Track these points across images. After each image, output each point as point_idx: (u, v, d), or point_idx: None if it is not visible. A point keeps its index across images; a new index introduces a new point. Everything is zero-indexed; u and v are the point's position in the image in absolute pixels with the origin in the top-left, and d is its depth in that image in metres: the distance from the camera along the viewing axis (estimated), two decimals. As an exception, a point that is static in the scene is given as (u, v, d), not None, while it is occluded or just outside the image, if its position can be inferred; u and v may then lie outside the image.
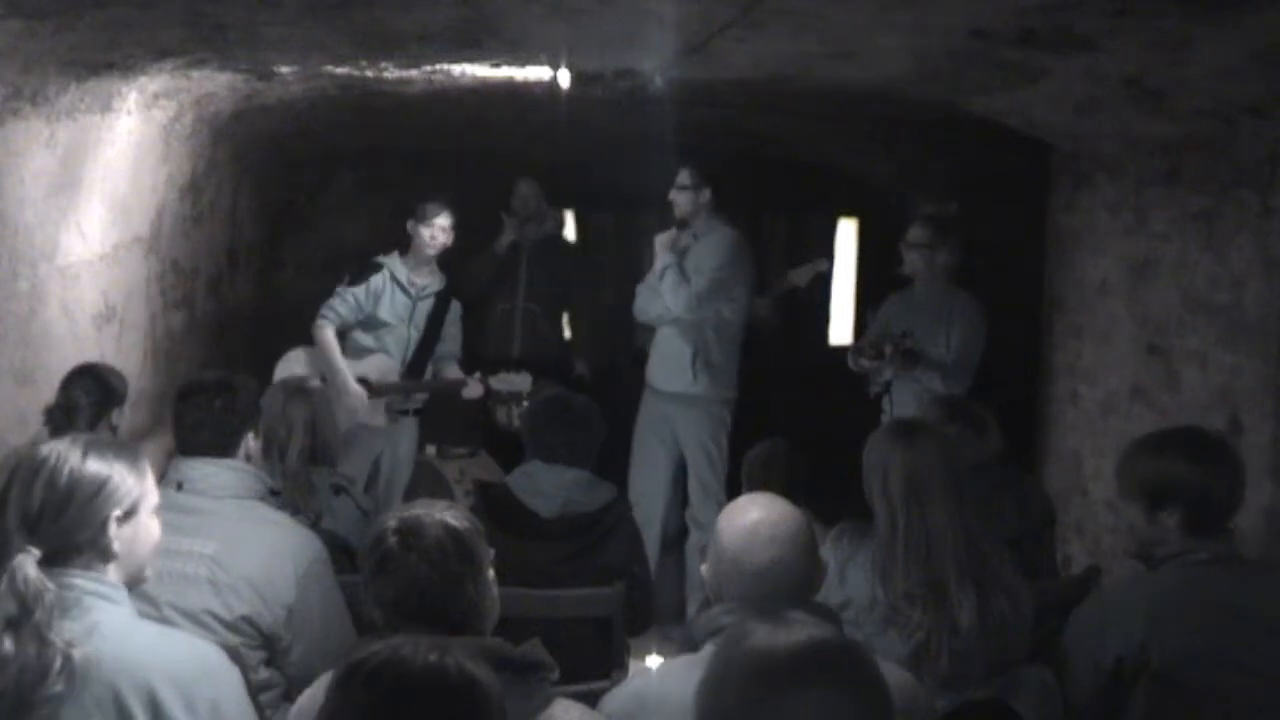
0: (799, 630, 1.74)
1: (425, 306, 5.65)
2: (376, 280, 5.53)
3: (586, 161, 7.35)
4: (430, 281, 5.67)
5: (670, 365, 5.63)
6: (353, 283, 5.52)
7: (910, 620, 2.75)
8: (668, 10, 3.39)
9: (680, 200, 5.57)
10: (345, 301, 5.49)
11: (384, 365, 5.57)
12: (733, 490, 3.30)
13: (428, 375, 5.70)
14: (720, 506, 5.53)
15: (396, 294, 5.57)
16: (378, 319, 5.54)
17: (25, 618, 2.05)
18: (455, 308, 5.79)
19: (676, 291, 5.49)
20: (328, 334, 5.44)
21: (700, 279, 5.49)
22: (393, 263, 5.60)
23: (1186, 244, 4.58)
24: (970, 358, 5.19)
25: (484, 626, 2.27)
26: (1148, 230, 4.88)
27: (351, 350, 5.55)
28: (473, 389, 5.62)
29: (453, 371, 5.76)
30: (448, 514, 2.30)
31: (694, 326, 5.55)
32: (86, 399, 3.94)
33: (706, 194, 5.57)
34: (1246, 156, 4.17)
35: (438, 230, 5.60)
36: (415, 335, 5.63)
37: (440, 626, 2.16)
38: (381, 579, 2.24)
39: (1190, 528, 2.81)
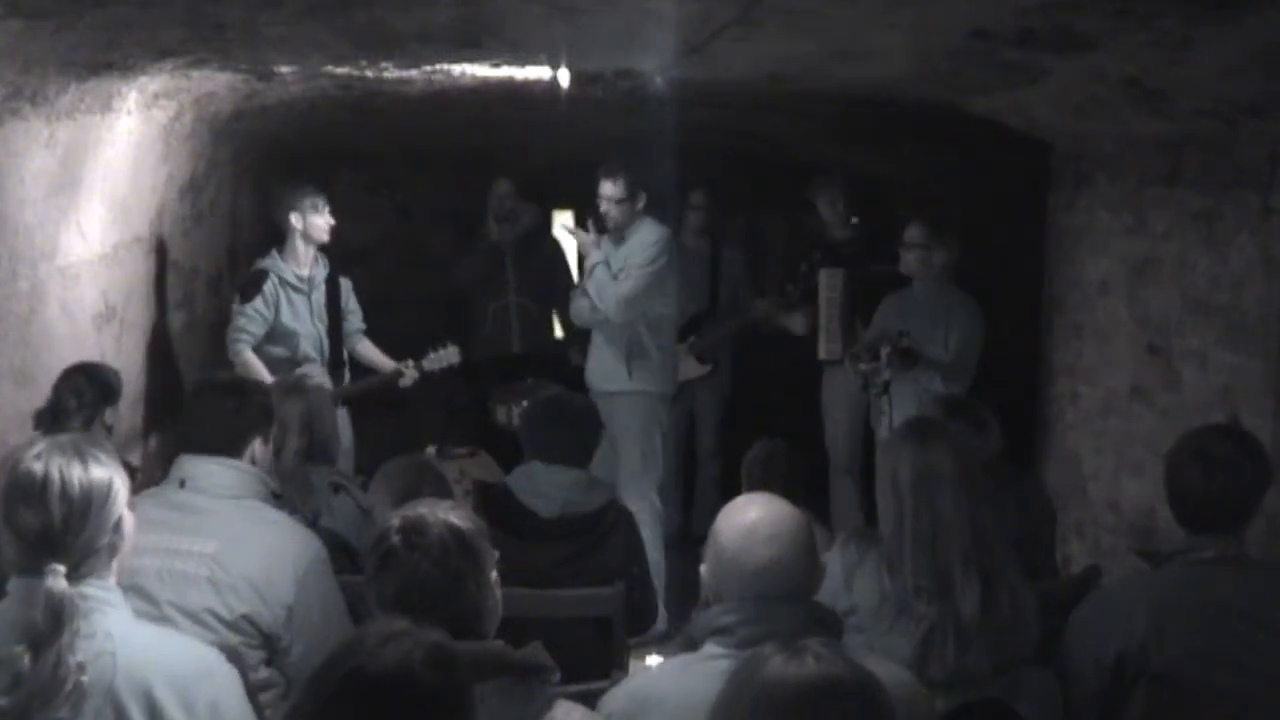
0: (809, 662, 1.74)
1: (320, 296, 5.56)
2: (268, 287, 5.39)
3: (586, 161, 7.35)
4: (316, 270, 5.57)
5: (607, 365, 5.64)
6: (246, 298, 5.37)
7: (916, 614, 2.74)
8: (668, 10, 3.39)
9: (614, 213, 5.51)
10: (252, 319, 5.35)
11: (312, 374, 5.51)
12: (731, 490, 3.30)
13: (344, 358, 5.68)
14: (654, 508, 5.60)
15: (291, 295, 5.46)
16: (284, 326, 5.43)
17: (54, 637, 2.03)
18: (346, 284, 5.71)
19: (603, 293, 5.50)
20: (248, 356, 5.33)
21: (628, 282, 5.48)
22: (275, 264, 5.45)
23: (1186, 244, 4.58)
24: (968, 357, 5.19)
25: (486, 627, 2.27)
26: (1148, 230, 4.87)
27: (269, 365, 5.38)
28: (408, 377, 5.63)
29: (365, 347, 5.76)
30: (451, 513, 2.30)
31: (627, 324, 5.56)
32: (76, 400, 3.93)
33: (642, 201, 5.53)
34: (1246, 156, 4.17)
35: (329, 217, 5.50)
36: (322, 328, 5.56)
37: (442, 626, 2.16)
38: (384, 577, 2.24)
39: (1192, 525, 2.82)
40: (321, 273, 5.59)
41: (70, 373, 4.01)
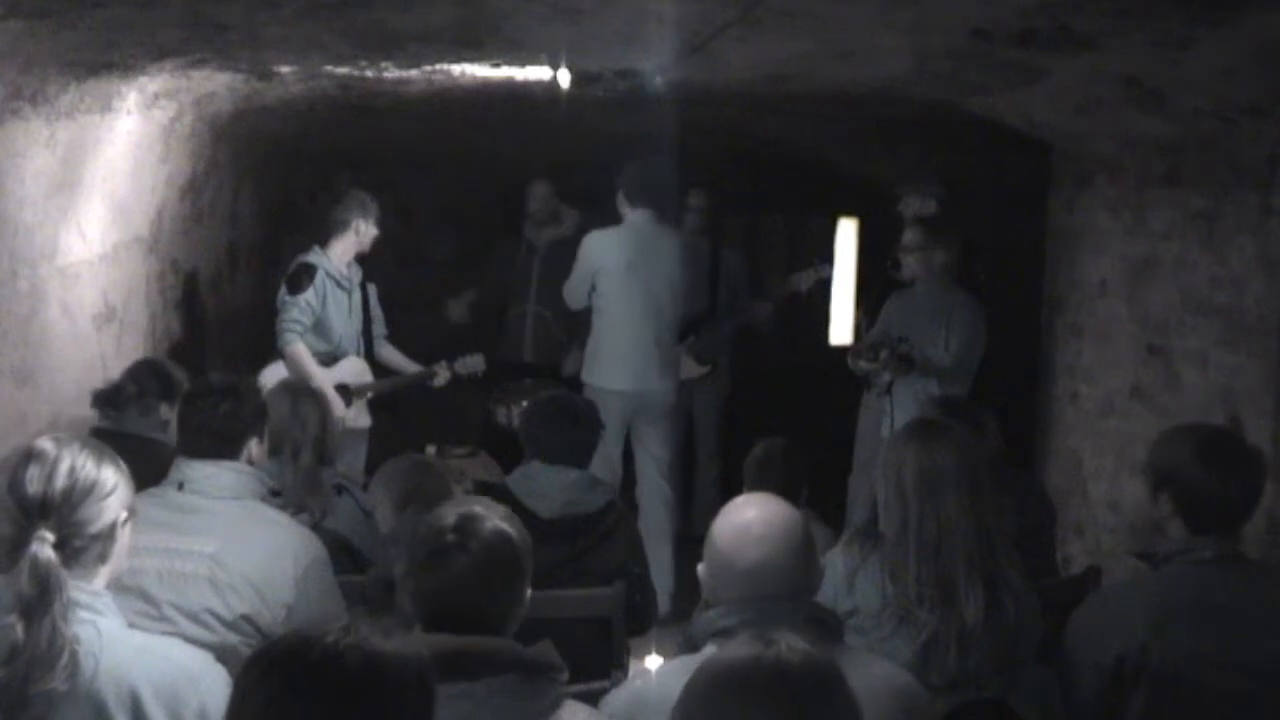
0: (755, 648, 1.75)
1: (356, 297, 5.68)
2: (318, 282, 5.47)
3: (586, 161, 7.35)
4: (352, 272, 5.68)
5: None
6: (297, 290, 5.42)
7: (918, 620, 2.74)
8: (668, 10, 3.39)
9: None
10: (303, 310, 5.41)
11: (356, 368, 5.61)
12: (731, 490, 3.29)
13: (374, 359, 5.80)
14: (655, 497, 5.71)
15: (336, 292, 5.54)
16: (326, 321, 5.50)
17: (44, 606, 2.04)
18: (373, 290, 5.85)
19: None
20: (300, 348, 5.38)
21: None
22: (323, 260, 5.52)
23: (1186, 244, 4.58)
24: (969, 359, 5.19)
25: (509, 631, 2.26)
26: (1148, 230, 4.88)
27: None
28: (441, 377, 5.74)
29: (389, 351, 5.87)
30: (502, 520, 2.28)
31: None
32: (136, 388, 4.01)
33: (621, 204, 5.76)
34: (1246, 156, 4.17)
35: (376, 229, 5.64)
36: (357, 327, 5.68)
37: (471, 629, 2.17)
38: (427, 573, 2.23)
39: (1191, 525, 2.81)
40: (357, 276, 5.70)
41: (137, 364, 4.18)
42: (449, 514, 2.27)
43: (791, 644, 1.77)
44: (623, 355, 5.71)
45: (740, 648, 1.77)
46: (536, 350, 6.76)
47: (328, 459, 3.92)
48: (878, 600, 2.81)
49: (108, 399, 4.03)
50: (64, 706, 2.05)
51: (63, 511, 2.14)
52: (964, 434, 3.01)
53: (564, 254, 6.58)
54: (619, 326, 5.71)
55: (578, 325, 6.48)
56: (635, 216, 5.73)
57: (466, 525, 2.23)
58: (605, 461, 5.56)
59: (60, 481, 2.15)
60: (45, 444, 2.20)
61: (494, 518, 2.27)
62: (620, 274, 5.68)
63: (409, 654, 1.68)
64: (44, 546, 2.09)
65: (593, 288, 5.72)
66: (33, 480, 2.14)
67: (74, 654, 2.05)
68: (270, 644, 1.69)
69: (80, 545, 2.16)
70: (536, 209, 6.74)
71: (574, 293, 5.82)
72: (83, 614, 2.12)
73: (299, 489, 3.62)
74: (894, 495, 2.86)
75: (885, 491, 2.90)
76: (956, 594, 2.72)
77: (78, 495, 2.16)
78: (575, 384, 5.95)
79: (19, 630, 2.03)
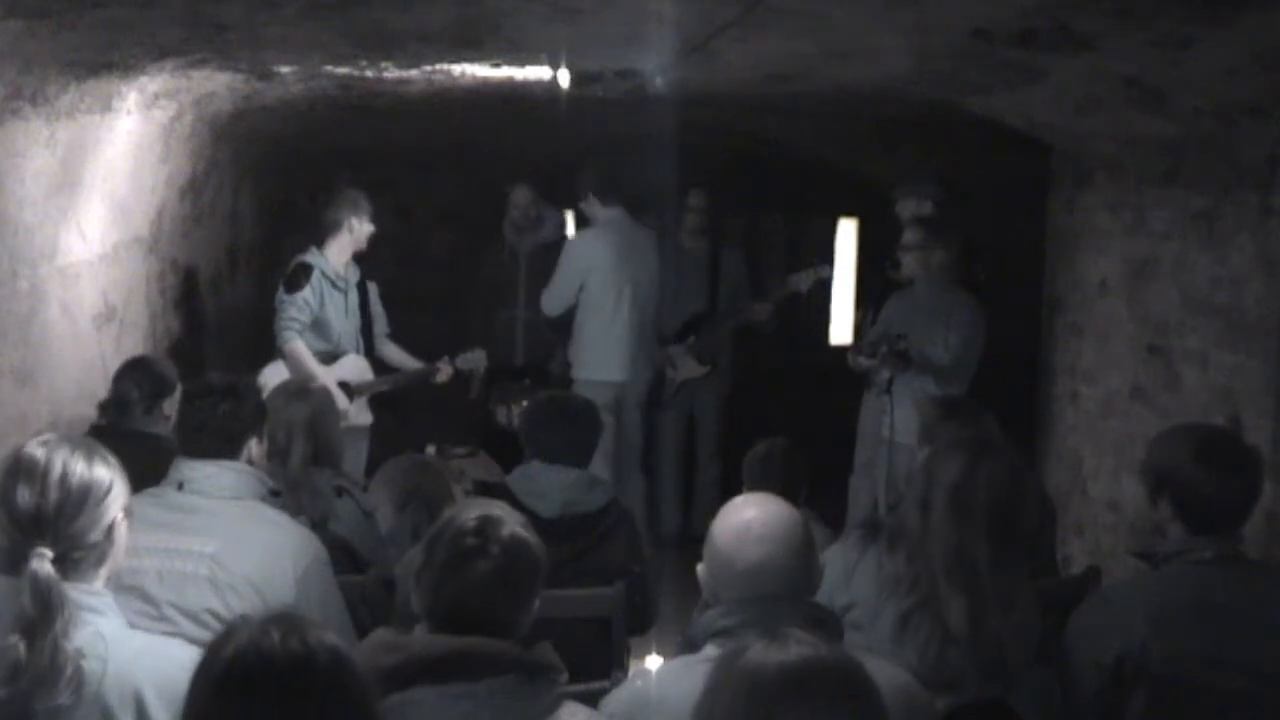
0: (792, 648, 1.73)
1: (354, 296, 5.67)
2: (315, 281, 5.46)
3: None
4: (349, 272, 5.66)
5: None
6: (294, 288, 5.41)
7: (904, 586, 2.70)
8: (668, 10, 3.39)
9: None
10: (301, 308, 5.40)
11: (357, 365, 5.61)
12: (732, 491, 3.29)
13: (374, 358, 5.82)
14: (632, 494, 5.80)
15: (332, 291, 5.54)
16: (324, 320, 5.50)
17: (46, 624, 2.03)
18: (373, 288, 5.86)
19: None
20: (299, 345, 5.37)
21: None
22: (320, 260, 5.52)
23: (1186, 244, 4.58)
24: (969, 359, 5.19)
25: (517, 635, 2.26)
26: (1148, 230, 4.88)
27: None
28: (443, 373, 5.77)
29: (391, 350, 5.89)
30: (519, 526, 2.29)
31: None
32: (138, 392, 4.04)
33: (589, 196, 6.06)
34: (1246, 156, 4.17)
35: (371, 226, 5.64)
36: (355, 326, 5.68)
37: (481, 632, 2.17)
38: (447, 577, 2.22)
39: (1190, 526, 2.81)
40: (354, 275, 5.69)
41: (129, 367, 4.20)
42: (469, 517, 2.26)
43: (802, 638, 1.76)
44: (614, 347, 5.98)
45: (763, 650, 1.74)
46: (529, 354, 6.77)
47: (327, 460, 3.91)
48: (873, 591, 2.80)
49: (115, 407, 4.07)
50: (68, 713, 2.04)
51: (59, 525, 2.12)
52: (1012, 467, 2.83)
53: (551, 258, 6.59)
54: (610, 321, 5.97)
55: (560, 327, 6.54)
56: (610, 215, 5.98)
57: (487, 530, 2.23)
58: (601, 454, 5.61)
59: (53, 493, 2.12)
60: (34, 451, 2.17)
61: (512, 523, 2.27)
62: (609, 271, 5.94)
63: (335, 639, 1.71)
64: (43, 564, 2.08)
65: (580, 287, 5.96)
66: (24, 495, 2.12)
67: (78, 669, 2.04)
68: (225, 666, 1.66)
69: (79, 556, 2.15)
70: (518, 215, 6.76)
71: (559, 297, 6.05)
72: (86, 616, 2.12)
73: (293, 493, 3.61)
74: (920, 498, 2.76)
75: (917, 487, 2.83)
76: (952, 604, 2.69)
77: (72, 505, 2.14)
78: (566, 383, 5.97)
79: (20, 649, 2.01)
